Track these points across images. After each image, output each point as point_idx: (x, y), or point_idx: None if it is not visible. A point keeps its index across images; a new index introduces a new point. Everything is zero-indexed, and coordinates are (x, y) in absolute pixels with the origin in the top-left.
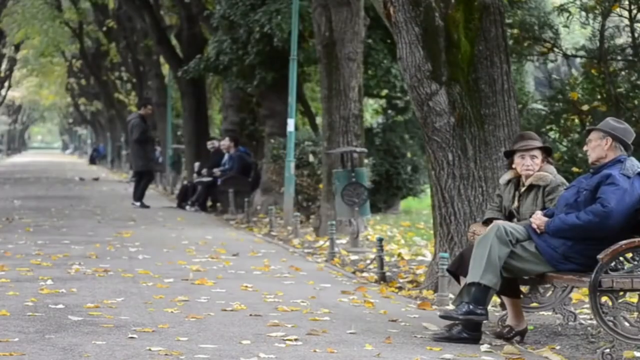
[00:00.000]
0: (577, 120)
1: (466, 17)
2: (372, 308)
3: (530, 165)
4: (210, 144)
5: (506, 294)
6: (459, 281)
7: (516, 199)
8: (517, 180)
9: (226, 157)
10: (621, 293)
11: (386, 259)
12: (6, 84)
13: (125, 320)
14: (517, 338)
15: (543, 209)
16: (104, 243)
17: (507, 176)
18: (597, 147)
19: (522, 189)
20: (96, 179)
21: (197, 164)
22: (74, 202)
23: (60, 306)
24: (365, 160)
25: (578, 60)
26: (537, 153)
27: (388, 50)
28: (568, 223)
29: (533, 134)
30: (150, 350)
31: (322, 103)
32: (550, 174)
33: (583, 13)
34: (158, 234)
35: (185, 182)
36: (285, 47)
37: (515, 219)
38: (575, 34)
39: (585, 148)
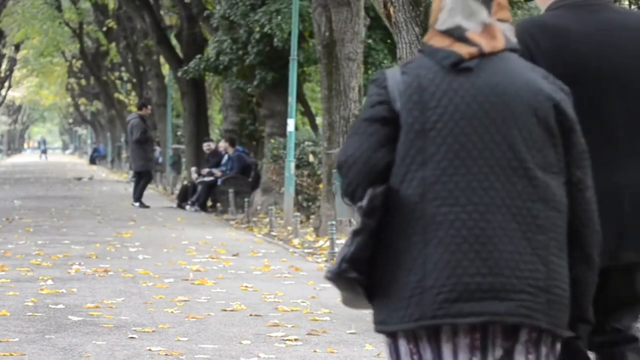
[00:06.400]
0: None
1: None
2: None
3: None
4: (206, 146)
5: None
6: None
7: None
8: None
9: (225, 157)
10: None
11: None
12: (6, 84)
13: (125, 320)
14: None
15: None
16: (104, 243)
17: None
18: None
19: None
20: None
21: (193, 169)
22: (74, 202)
23: (60, 306)
24: None
25: None
26: None
27: (388, 50)
28: None
29: None
30: (150, 350)
31: (322, 103)
32: None
33: None
34: (158, 234)
35: (185, 182)
36: (285, 47)
37: None
38: None
39: None
